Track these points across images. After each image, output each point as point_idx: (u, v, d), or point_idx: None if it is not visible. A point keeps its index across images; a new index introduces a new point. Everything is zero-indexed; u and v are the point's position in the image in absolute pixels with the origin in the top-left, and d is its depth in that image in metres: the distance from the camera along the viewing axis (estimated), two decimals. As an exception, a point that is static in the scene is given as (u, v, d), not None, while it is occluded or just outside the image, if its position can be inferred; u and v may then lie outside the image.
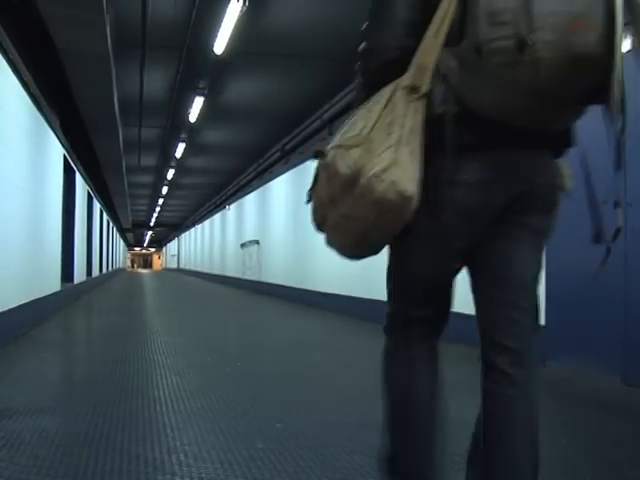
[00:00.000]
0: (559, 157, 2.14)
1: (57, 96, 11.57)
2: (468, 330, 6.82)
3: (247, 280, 21.15)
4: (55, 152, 11.55)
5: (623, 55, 1.61)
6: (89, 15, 7.64)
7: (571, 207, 5.45)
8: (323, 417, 3.65)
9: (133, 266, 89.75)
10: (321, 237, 2.14)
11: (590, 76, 1.68)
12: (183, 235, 52.74)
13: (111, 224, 33.00)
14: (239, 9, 7.96)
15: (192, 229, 44.08)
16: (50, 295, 10.89)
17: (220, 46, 9.40)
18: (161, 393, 4.62)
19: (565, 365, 5.51)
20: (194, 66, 11.14)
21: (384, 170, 1.74)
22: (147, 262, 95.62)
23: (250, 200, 21.53)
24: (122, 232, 50.69)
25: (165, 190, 30.21)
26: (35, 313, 9.08)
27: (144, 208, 43.58)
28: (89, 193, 18.81)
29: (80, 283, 16.04)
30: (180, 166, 22.24)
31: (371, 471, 2.88)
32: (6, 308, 7.17)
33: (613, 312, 4.98)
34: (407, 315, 2.13)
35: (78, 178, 15.28)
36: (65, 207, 13.19)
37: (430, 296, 2.13)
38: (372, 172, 1.74)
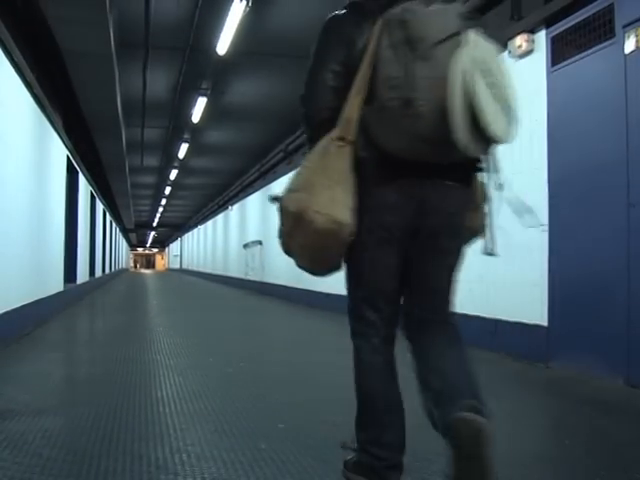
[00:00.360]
0: (468, 183, 2.58)
1: (60, 96, 11.59)
2: (469, 331, 6.81)
3: (250, 280, 21.16)
4: (58, 152, 11.56)
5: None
6: (92, 16, 7.66)
7: (572, 210, 5.45)
8: (326, 417, 3.64)
9: (136, 266, 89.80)
10: None
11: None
12: (186, 235, 52.76)
13: (114, 224, 33.02)
14: (242, 9, 7.97)
15: (195, 229, 44.09)
16: (53, 295, 10.90)
17: (223, 47, 9.42)
18: (164, 393, 4.62)
19: (568, 366, 5.50)
20: (197, 67, 11.15)
21: (323, 206, 2.31)
22: (150, 262, 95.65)
23: (253, 201, 21.52)
24: (125, 232, 50.74)
25: (168, 190, 30.25)
26: (38, 313, 9.09)
27: (147, 208, 43.62)
28: (92, 193, 18.82)
29: (83, 283, 16.05)
30: (183, 166, 22.27)
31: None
32: (9, 308, 7.18)
33: (616, 313, 4.97)
34: (363, 311, 2.58)
35: (81, 178, 15.29)
36: (68, 207, 13.21)
37: (382, 301, 2.56)
38: (313, 209, 2.31)
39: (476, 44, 2.20)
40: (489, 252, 2.81)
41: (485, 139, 2.26)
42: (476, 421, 2.16)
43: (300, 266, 2.58)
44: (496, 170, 2.59)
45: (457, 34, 2.21)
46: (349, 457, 2.68)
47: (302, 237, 2.40)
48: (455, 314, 2.70)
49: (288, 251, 2.53)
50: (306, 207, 2.33)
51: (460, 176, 2.50)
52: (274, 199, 2.52)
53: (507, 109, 2.31)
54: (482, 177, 2.69)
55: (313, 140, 2.52)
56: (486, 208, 2.78)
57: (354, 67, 2.36)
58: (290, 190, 2.45)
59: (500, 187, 2.61)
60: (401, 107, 2.19)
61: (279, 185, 17.15)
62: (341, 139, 2.36)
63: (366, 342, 2.64)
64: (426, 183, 2.40)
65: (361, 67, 2.34)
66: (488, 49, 2.26)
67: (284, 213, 2.45)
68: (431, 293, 2.62)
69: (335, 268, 2.57)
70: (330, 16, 2.71)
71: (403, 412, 2.75)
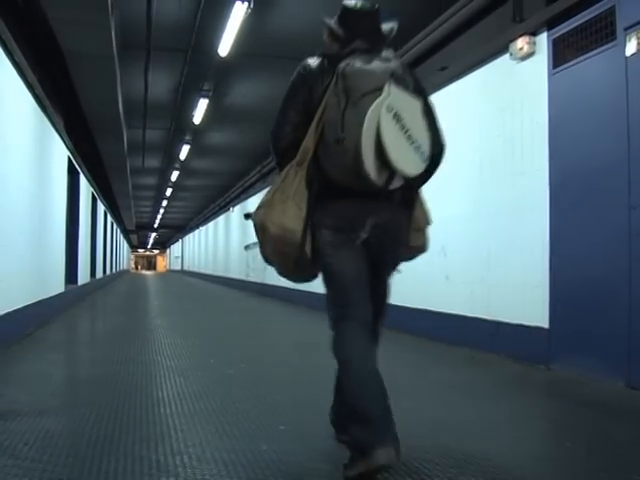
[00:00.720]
0: (404, 208, 3.05)
1: (61, 97, 11.60)
2: (470, 333, 6.81)
3: (251, 282, 21.15)
4: (59, 154, 11.56)
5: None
6: (94, 17, 7.67)
7: (573, 212, 5.44)
8: (327, 418, 3.64)
9: (137, 268, 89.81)
10: None
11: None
12: (187, 237, 52.76)
13: (115, 226, 33.03)
14: (244, 11, 7.97)
15: (196, 231, 44.08)
16: (54, 296, 10.90)
17: (225, 48, 9.43)
18: (165, 394, 4.62)
19: (569, 368, 5.50)
20: (199, 68, 11.16)
21: (276, 217, 2.92)
22: (151, 264, 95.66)
23: (254, 202, 21.48)
24: (126, 234, 50.75)
25: (169, 192, 30.27)
26: (39, 314, 9.09)
27: (148, 210, 43.63)
28: (93, 195, 18.83)
29: (84, 285, 16.06)
30: (184, 168, 22.28)
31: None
32: (10, 309, 7.18)
33: (617, 315, 4.97)
34: (342, 306, 3.03)
35: (82, 180, 15.30)
36: (69, 209, 13.22)
37: (353, 288, 2.99)
38: (269, 220, 2.93)
39: (392, 94, 2.77)
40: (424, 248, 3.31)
41: (399, 170, 2.78)
42: (389, 457, 2.66)
43: (280, 274, 3.18)
44: (422, 202, 3.19)
45: (384, 87, 2.77)
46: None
47: (268, 245, 3.01)
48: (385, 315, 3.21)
49: (267, 259, 3.12)
50: (265, 219, 2.96)
51: (397, 199, 2.97)
52: (247, 216, 3.19)
53: (418, 149, 2.83)
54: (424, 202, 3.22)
55: (281, 166, 3.09)
56: (427, 230, 3.26)
57: (314, 108, 2.94)
58: (258, 207, 3.05)
59: (429, 220, 3.18)
60: (335, 144, 2.81)
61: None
62: (299, 165, 2.94)
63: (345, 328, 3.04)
64: (367, 201, 2.92)
65: (318, 108, 2.92)
66: (404, 99, 2.84)
67: (255, 227, 3.05)
68: (375, 293, 3.11)
69: (311, 275, 3.21)
70: (301, 63, 3.14)
71: (385, 394, 2.87)
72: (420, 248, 3.31)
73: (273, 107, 11.41)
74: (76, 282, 14.44)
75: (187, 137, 16.97)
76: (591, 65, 5.39)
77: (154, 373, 5.61)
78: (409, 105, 2.87)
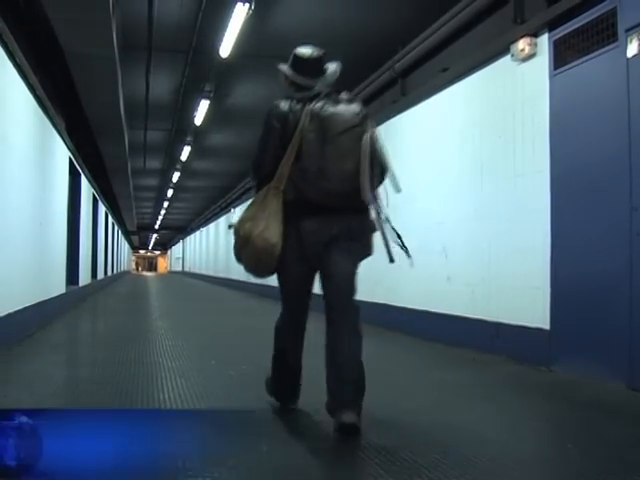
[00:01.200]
0: (362, 216, 3.72)
1: (63, 99, 11.61)
2: (471, 334, 6.80)
3: (251, 283, 21.15)
4: (61, 155, 11.57)
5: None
6: (95, 18, 7.68)
7: (574, 213, 5.44)
8: (328, 419, 3.64)
9: (138, 269, 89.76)
10: None
11: (349, 183, 3.55)
12: (188, 238, 52.77)
13: (116, 227, 33.04)
14: (245, 12, 7.97)
15: (197, 232, 44.10)
16: (55, 297, 10.91)
17: (226, 49, 9.42)
18: (166, 396, 4.62)
19: (570, 369, 5.50)
20: (200, 69, 11.16)
21: (261, 232, 3.61)
22: (152, 265, 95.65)
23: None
24: (127, 235, 50.76)
25: (170, 193, 30.26)
26: (40, 315, 9.09)
27: (149, 211, 43.63)
28: (94, 196, 18.83)
29: (85, 286, 16.06)
30: (185, 169, 22.27)
31: (379, 470, 2.88)
32: (12, 310, 7.18)
33: (618, 316, 4.97)
34: (287, 299, 3.95)
35: (83, 181, 15.30)
36: (70, 210, 13.22)
37: (298, 289, 3.89)
38: (255, 234, 3.62)
39: (376, 131, 3.74)
40: (391, 260, 3.68)
41: (366, 192, 3.57)
42: (351, 422, 3.51)
43: (247, 270, 3.89)
44: (384, 209, 3.75)
45: (355, 126, 3.65)
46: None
47: (248, 251, 3.72)
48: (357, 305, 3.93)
49: (239, 259, 3.85)
50: (251, 232, 3.65)
51: (363, 208, 3.67)
52: (230, 226, 4.07)
53: (375, 175, 3.65)
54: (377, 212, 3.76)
55: (259, 188, 3.80)
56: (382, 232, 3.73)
57: (288, 140, 3.62)
58: (241, 220, 3.75)
59: (387, 220, 3.71)
60: (317, 173, 3.54)
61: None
62: (276, 188, 3.65)
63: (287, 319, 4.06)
64: (336, 215, 3.65)
65: (292, 141, 3.61)
66: (369, 139, 3.65)
67: (237, 235, 3.78)
68: (340, 287, 3.83)
69: (270, 273, 3.85)
70: (273, 103, 3.82)
71: (299, 372, 4.13)
72: (367, 249, 3.89)
73: (274, 108, 11.14)
74: (77, 283, 14.44)
75: (188, 138, 16.96)
76: (592, 67, 5.39)
77: (155, 374, 5.61)
78: (370, 145, 3.66)
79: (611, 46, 5.15)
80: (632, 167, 4.89)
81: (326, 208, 3.62)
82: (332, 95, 3.82)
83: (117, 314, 13.00)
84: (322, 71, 3.93)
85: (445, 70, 8.04)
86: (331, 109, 3.68)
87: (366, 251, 3.85)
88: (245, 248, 3.71)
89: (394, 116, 9.50)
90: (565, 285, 5.66)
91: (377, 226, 3.71)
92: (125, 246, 50.31)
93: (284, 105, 3.75)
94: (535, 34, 6.13)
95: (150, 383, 5.21)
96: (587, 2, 5.41)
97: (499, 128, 6.79)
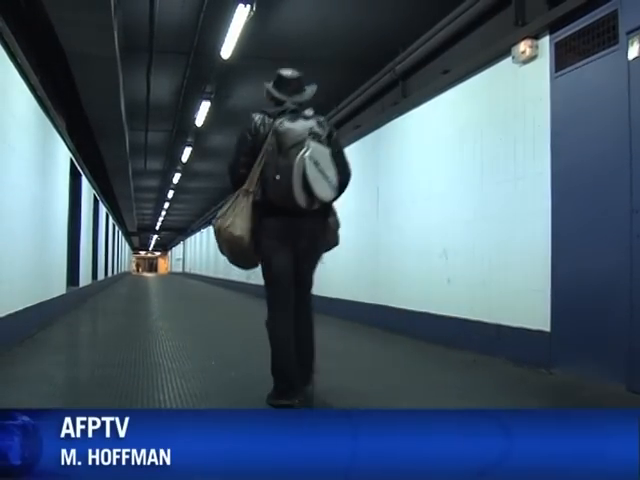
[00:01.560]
0: (322, 218, 4.39)
1: (64, 99, 11.61)
2: (471, 336, 6.80)
3: (251, 284, 21.15)
4: (62, 155, 11.58)
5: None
6: (97, 19, 7.68)
7: (575, 215, 5.44)
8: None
9: (138, 270, 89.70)
10: None
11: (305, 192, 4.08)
12: (189, 239, 52.75)
13: (117, 228, 33.05)
14: (246, 13, 7.97)
15: (198, 233, 44.07)
16: (56, 298, 10.91)
17: (227, 50, 9.42)
18: (166, 397, 4.62)
19: (570, 371, 5.50)
20: (201, 70, 11.16)
21: (228, 226, 4.20)
22: (152, 266, 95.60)
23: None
24: (128, 236, 50.74)
25: (171, 194, 30.24)
26: (41, 316, 9.09)
27: (150, 212, 43.62)
28: (95, 196, 18.84)
29: (86, 286, 16.06)
30: (186, 170, 22.27)
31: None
32: (12, 311, 7.19)
33: (619, 319, 4.97)
34: (278, 298, 4.32)
35: (84, 181, 15.31)
36: (71, 211, 13.22)
37: (282, 282, 4.30)
38: (223, 228, 4.23)
39: (311, 148, 4.09)
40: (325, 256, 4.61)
41: (319, 198, 4.13)
42: (307, 391, 4.30)
43: (231, 262, 4.50)
44: (334, 213, 4.51)
45: (302, 142, 4.12)
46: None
47: (222, 243, 4.33)
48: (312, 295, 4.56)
49: (222, 252, 4.43)
50: (220, 226, 4.27)
51: (316, 214, 4.27)
52: (211, 222, 4.94)
53: (330, 182, 4.17)
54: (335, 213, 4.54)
55: (234, 189, 4.36)
56: (338, 232, 4.58)
57: (258, 150, 4.23)
58: (217, 217, 4.34)
59: (338, 224, 4.55)
60: (273, 179, 4.12)
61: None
62: (247, 190, 4.24)
63: (277, 312, 4.37)
64: (295, 218, 4.21)
65: (261, 151, 4.22)
66: (319, 150, 4.14)
67: (213, 229, 4.40)
68: (301, 285, 4.41)
69: (253, 265, 4.49)
70: (249, 116, 4.38)
71: (293, 349, 4.30)
72: (333, 242, 4.61)
73: (275, 110, 11.12)
74: (77, 284, 14.44)
75: (189, 139, 16.96)
76: (593, 69, 5.39)
77: (155, 375, 5.61)
78: (323, 154, 4.17)
79: (612, 48, 5.15)
80: (632, 169, 4.89)
81: (287, 210, 4.17)
82: (297, 112, 4.35)
83: (117, 315, 12.99)
84: (298, 90, 4.48)
85: (446, 72, 8.03)
86: (288, 125, 4.22)
87: (324, 248, 4.55)
88: (219, 239, 4.35)
89: (395, 118, 9.50)
90: (565, 287, 5.65)
91: (333, 227, 4.52)
92: (126, 247, 50.30)
93: (258, 119, 4.33)
94: (536, 36, 6.13)
95: (150, 384, 5.21)
96: (588, 4, 5.41)
97: (500, 130, 6.79)
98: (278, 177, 4.10)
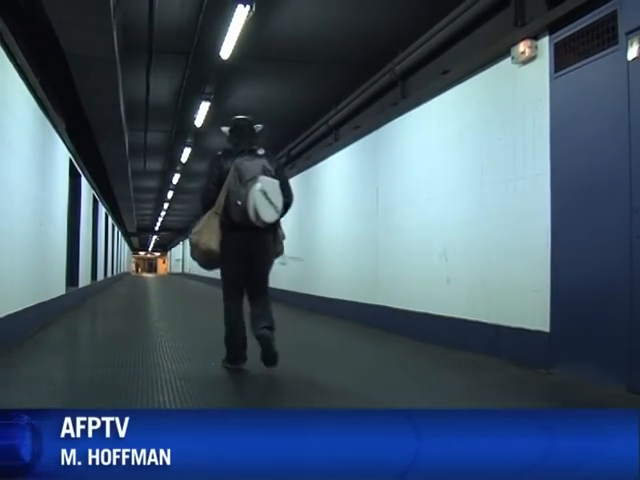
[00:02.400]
0: (272, 232, 5.67)
1: (63, 100, 11.61)
2: (470, 336, 6.80)
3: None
4: (61, 156, 11.58)
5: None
6: (96, 19, 7.68)
7: (575, 216, 5.45)
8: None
9: (137, 270, 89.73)
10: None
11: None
12: (188, 240, 52.69)
13: (116, 228, 33.04)
14: (246, 14, 7.97)
15: (197, 234, 44.00)
16: (55, 299, 10.91)
17: (226, 51, 9.43)
18: (166, 398, 4.62)
19: (570, 372, 5.50)
20: (200, 71, 11.17)
21: (205, 241, 5.50)
22: (152, 266, 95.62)
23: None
24: (127, 236, 50.74)
25: (170, 194, 30.25)
26: (40, 316, 9.10)
27: (149, 212, 43.61)
28: (94, 197, 18.84)
29: (85, 287, 16.06)
30: (185, 171, 22.28)
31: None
32: (12, 311, 7.19)
33: (618, 319, 4.97)
34: (230, 293, 5.68)
35: (84, 182, 15.31)
36: (71, 211, 13.22)
37: (236, 283, 5.66)
38: (200, 242, 5.54)
39: (261, 182, 5.33)
40: (283, 263, 6.07)
41: (263, 221, 5.36)
42: (265, 334, 5.41)
43: (200, 266, 5.90)
44: (281, 227, 5.83)
45: (257, 177, 5.35)
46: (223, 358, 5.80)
47: (197, 253, 5.65)
48: (268, 288, 5.82)
49: (194, 258, 5.82)
50: (197, 241, 5.56)
51: (268, 229, 5.55)
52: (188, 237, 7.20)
53: (275, 207, 5.41)
54: (281, 229, 5.86)
55: (204, 211, 5.68)
56: (283, 242, 5.92)
57: (223, 181, 5.51)
58: (193, 233, 5.64)
59: (283, 236, 5.90)
60: (236, 204, 5.36)
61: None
62: (215, 212, 5.50)
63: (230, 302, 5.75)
64: (250, 233, 5.47)
65: (225, 182, 5.47)
66: (269, 182, 5.39)
67: (190, 242, 5.74)
68: (258, 282, 5.75)
69: (216, 267, 5.78)
70: (215, 155, 5.83)
71: (246, 339, 5.71)
72: (280, 251, 5.91)
73: (274, 110, 11.53)
74: (77, 284, 14.44)
75: (188, 140, 16.96)
76: (593, 69, 5.39)
77: (155, 376, 5.61)
78: (272, 185, 5.44)
79: (612, 49, 5.15)
80: (632, 169, 4.89)
81: (246, 227, 5.45)
82: (253, 151, 5.67)
83: (117, 315, 13.00)
84: (250, 132, 5.85)
85: (445, 72, 8.04)
86: (246, 163, 5.52)
87: (274, 256, 5.86)
88: (195, 251, 5.68)
89: (394, 118, 9.50)
90: (565, 288, 5.66)
91: (280, 239, 5.86)
92: (125, 248, 50.29)
93: (222, 157, 5.71)
94: (536, 37, 6.13)
95: (150, 385, 5.21)
96: (588, 5, 5.41)
97: (499, 131, 6.79)
98: (239, 202, 5.39)
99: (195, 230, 5.64)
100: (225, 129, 5.94)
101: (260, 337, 5.45)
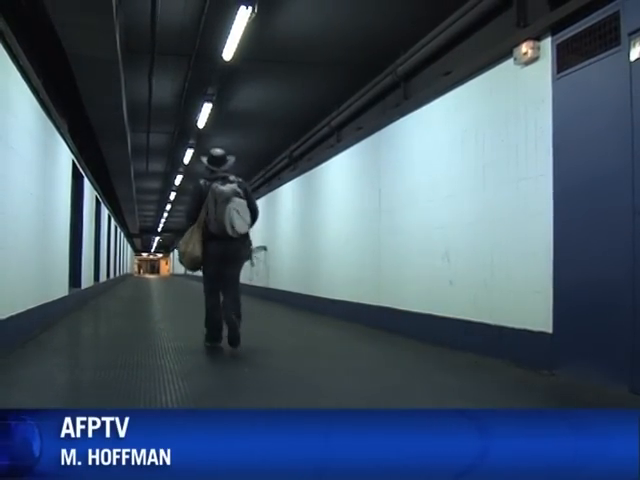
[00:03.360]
0: (243, 241, 7.13)
1: (66, 102, 11.62)
2: (473, 337, 6.80)
3: (254, 286, 21.17)
4: (64, 157, 11.59)
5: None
6: (98, 21, 7.69)
7: (577, 217, 5.45)
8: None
9: (140, 271, 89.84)
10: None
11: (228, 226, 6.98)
12: (190, 241, 52.63)
13: (119, 229, 33.06)
14: (248, 15, 7.97)
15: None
16: (58, 300, 10.92)
17: (229, 52, 9.43)
18: (168, 398, 4.62)
19: (572, 373, 5.49)
20: (203, 72, 11.18)
21: (190, 250, 7.03)
22: (154, 268, 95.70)
23: (259, 205, 21.50)
24: (130, 238, 50.76)
25: (173, 196, 30.27)
26: (43, 318, 9.10)
27: (152, 214, 43.66)
28: (97, 198, 18.86)
29: (87, 288, 16.07)
30: (188, 172, 22.29)
31: None
32: (14, 313, 7.19)
33: (621, 320, 4.96)
34: (209, 288, 7.23)
35: (86, 183, 15.32)
36: (73, 212, 13.23)
37: (214, 281, 7.15)
38: (187, 251, 7.07)
39: (234, 202, 6.86)
40: (253, 264, 9.88)
41: (238, 232, 6.86)
42: (232, 320, 6.91)
43: (187, 268, 7.35)
44: (249, 237, 7.27)
45: (230, 198, 6.86)
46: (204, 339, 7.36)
47: (186, 259, 7.09)
48: (239, 284, 7.30)
49: (181, 263, 7.33)
50: (186, 249, 7.02)
51: (240, 238, 6.95)
52: (176, 246, 10.00)
53: (245, 221, 6.93)
54: (249, 237, 7.32)
55: (190, 225, 7.07)
56: (251, 248, 7.48)
57: (202, 203, 6.93)
58: (181, 243, 7.14)
59: (251, 244, 7.45)
60: (214, 221, 6.85)
61: (284, 191, 17.20)
62: (199, 226, 6.93)
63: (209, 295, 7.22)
64: (226, 242, 6.89)
65: (204, 204, 6.93)
66: (239, 203, 6.90)
67: (178, 250, 7.25)
68: (230, 279, 7.12)
69: (198, 269, 7.22)
70: (197, 182, 7.17)
71: (222, 323, 7.14)
72: (249, 257, 7.49)
73: (276, 112, 11.55)
74: (80, 286, 14.45)
75: (191, 141, 16.97)
76: (595, 70, 5.39)
77: (157, 377, 5.61)
78: (241, 205, 6.92)
79: (614, 50, 5.14)
80: (635, 171, 4.89)
81: (222, 238, 6.91)
82: (226, 178, 7.11)
83: (119, 316, 13.01)
84: (224, 162, 7.27)
85: (448, 74, 8.04)
86: (220, 187, 6.96)
87: (244, 260, 7.41)
88: (184, 257, 7.13)
89: (396, 119, 9.50)
90: (568, 289, 5.65)
91: (248, 246, 7.35)
92: (127, 249, 50.32)
93: (203, 183, 7.10)
94: (538, 38, 6.13)
95: (152, 385, 5.21)
96: (590, 6, 5.41)
97: (502, 132, 6.79)
98: (217, 218, 6.88)
99: (182, 241, 7.18)
100: (204, 159, 7.37)
101: (228, 322, 7.00)
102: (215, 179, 7.05)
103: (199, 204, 6.99)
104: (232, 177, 7.13)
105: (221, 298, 7.18)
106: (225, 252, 7.00)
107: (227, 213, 6.83)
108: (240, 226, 6.89)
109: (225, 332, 7.07)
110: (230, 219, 6.83)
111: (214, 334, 7.26)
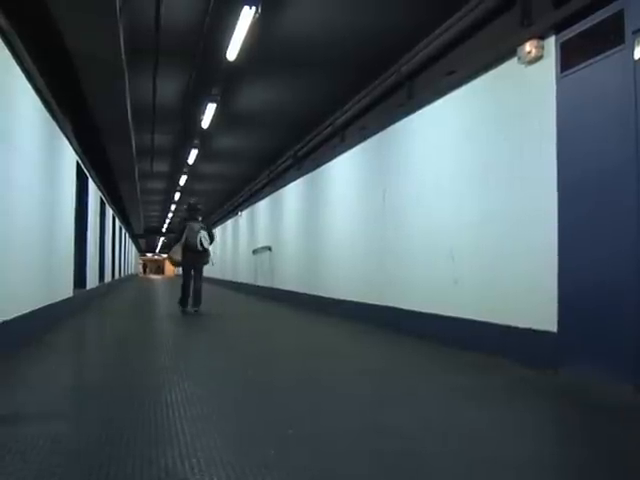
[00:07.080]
0: (205, 253, 13.01)
1: (70, 102, 11.63)
2: (478, 337, 6.81)
3: (259, 286, 21.19)
4: (68, 158, 11.62)
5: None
6: (103, 21, 7.69)
7: (582, 216, 5.47)
8: (335, 423, 3.64)
9: (145, 272, 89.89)
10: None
11: (197, 246, 12.87)
12: (195, 241, 52.66)
13: (123, 230, 33.09)
14: (252, 15, 7.97)
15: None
16: (63, 301, 10.95)
17: (233, 53, 9.42)
18: (173, 398, 4.62)
19: (577, 372, 5.48)
20: (207, 73, 11.18)
21: (176, 257, 12.98)
22: (159, 268, 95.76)
23: (262, 206, 21.56)
24: (134, 238, 50.81)
25: (177, 196, 30.30)
26: (48, 318, 9.12)
27: (156, 214, 43.69)
28: (102, 199, 18.89)
29: (92, 289, 16.10)
30: (192, 172, 22.31)
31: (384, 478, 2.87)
32: (19, 313, 7.21)
33: (626, 319, 4.95)
34: (186, 277, 12.98)
35: (91, 184, 15.36)
36: (78, 213, 13.26)
37: (188, 273, 12.96)
38: (174, 257, 13.05)
39: (201, 233, 12.73)
40: (212, 264, 14.07)
41: (204, 247, 12.85)
42: (197, 292, 12.92)
43: (172, 265, 14.46)
44: (209, 251, 13.24)
45: (199, 230, 12.77)
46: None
47: (172, 261, 13.38)
48: (202, 275, 13.03)
49: (170, 261, 13.52)
50: (172, 256, 13.09)
51: (204, 251, 12.89)
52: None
53: (208, 243, 12.90)
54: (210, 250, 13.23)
55: (176, 243, 12.94)
56: (211, 256, 13.38)
57: (184, 231, 12.84)
58: (170, 253, 13.17)
59: (210, 254, 13.32)
60: (190, 243, 12.71)
61: (289, 191, 17.20)
62: (183, 243, 12.75)
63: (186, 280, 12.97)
64: (196, 253, 12.72)
65: (185, 232, 12.82)
66: (203, 233, 12.78)
67: (168, 256, 13.56)
68: (198, 272, 12.94)
69: (179, 266, 13.19)
70: (182, 218, 14.05)
71: (189, 296, 12.93)
72: (208, 261, 13.06)
73: (281, 111, 11.59)
74: (84, 286, 14.49)
75: (195, 141, 16.98)
76: (599, 69, 5.38)
77: (162, 376, 5.62)
78: (205, 234, 12.77)
79: (618, 48, 5.14)
80: (639, 170, 4.88)
81: (194, 251, 12.50)
82: (196, 218, 12.93)
83: (124, 317, 13.03)
84: (197, 208, 13.19)
85: (451, 73, 8.03)
86: (192, 224, 12.71)
87: (206, 263, 12.92)
88: (171, 260, 13.13)
89: (400, 119, 9.51)
90: (572, 288, 5.64)
91: (209, 255, 13.06)
92: (132, 249, 50.37)
93: (184, 220, 12.97)
94: (542, 37, 6.12)
95: (157, 385, 5.22)
96: (594, 4, 5.40)
97: (506, 131, 6.79)
98: (191, 240, 12.45)
99: (172, 251, 12.89)
100: (186, 207, 13.52)
101: (194, 293, 12.70)
102: (190, 219, 12.90)
103: (182, 232, 12.64)
104: (200, 218, 13.16)
105: (191, 283, 12.69)
106: (195, 258, 12.61)
107: (198, 238, 12.52)
108: (205, 245, 12.67)
109: (191, 303, 12.68)
110: (199, 240, 12.52)
111: (184, 301, 12.77)
